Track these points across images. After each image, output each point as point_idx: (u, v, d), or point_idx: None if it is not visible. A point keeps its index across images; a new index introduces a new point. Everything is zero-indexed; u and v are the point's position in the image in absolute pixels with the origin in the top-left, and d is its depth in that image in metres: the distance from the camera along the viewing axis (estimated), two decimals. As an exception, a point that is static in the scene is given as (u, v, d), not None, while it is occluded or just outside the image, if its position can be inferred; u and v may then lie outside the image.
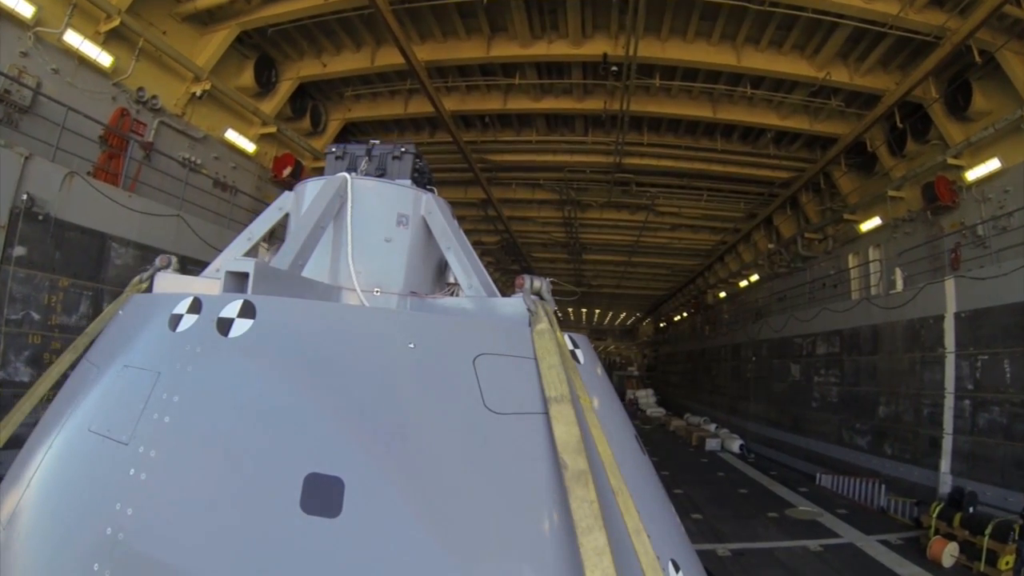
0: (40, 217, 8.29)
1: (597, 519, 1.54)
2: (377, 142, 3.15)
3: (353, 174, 2.83)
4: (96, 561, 1.54)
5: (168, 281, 2.73)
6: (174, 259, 2.81)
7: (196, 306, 1.90)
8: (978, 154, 11.06)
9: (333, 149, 3.15)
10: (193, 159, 11.57)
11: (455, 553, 1.61)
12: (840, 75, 11.47)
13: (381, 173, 3.05)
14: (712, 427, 22.27)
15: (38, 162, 8.26)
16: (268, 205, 11.40)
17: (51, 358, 8.58)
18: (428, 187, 3.11)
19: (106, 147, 9.98)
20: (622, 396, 32.25)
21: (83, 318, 8.98)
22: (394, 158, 3.08)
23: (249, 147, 12.96)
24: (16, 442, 2.27)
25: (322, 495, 1.55)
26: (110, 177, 9.85)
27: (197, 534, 1.56)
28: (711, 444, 19.25)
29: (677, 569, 1.96)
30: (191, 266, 10.58)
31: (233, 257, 2.67)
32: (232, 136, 12.51)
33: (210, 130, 12.05)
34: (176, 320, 1.89)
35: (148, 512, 1.59)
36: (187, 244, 10.37)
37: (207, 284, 2.67)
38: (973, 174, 11.17)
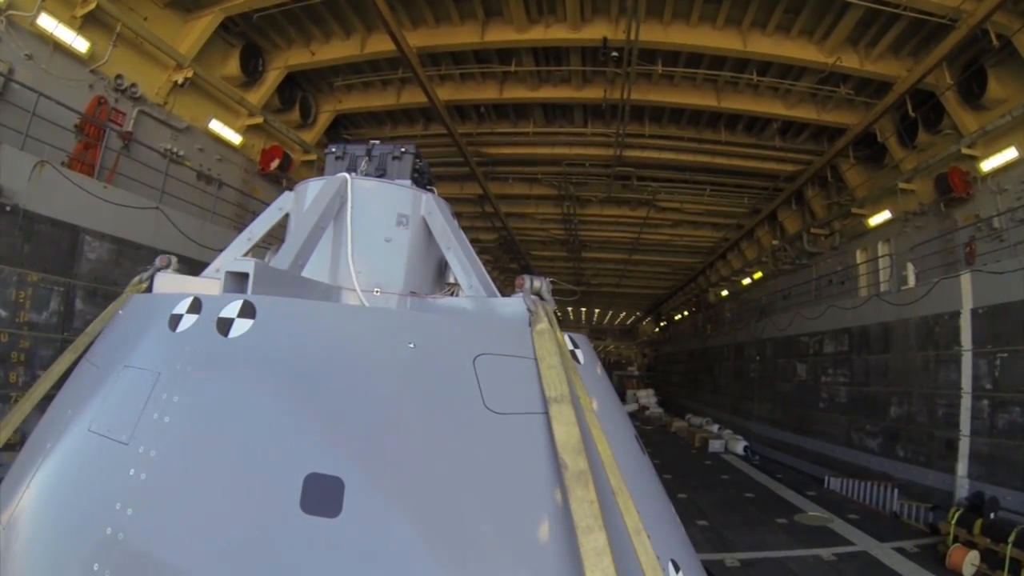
0: (7, 208, 7.83)
1: (597, 519, 1.54)
2: (377, 142, 3.13)
3: (353, 174, 2.81)
4: (96, 561, 1.53)
5: (168, 281, 2.72)
6: (174, 259, 2.79)
7: (196, 306, 1.89)
8: (993, 143, 10.64)
9: (333, 149, 3.12)
10: (175, 150, 11.09)
11: (455, 553, 1.61)
12: (850, 61, 11.02)
13: (381, 173, 3.03)
14: (715, 428, 21.81)
15: (6, 151, 7.84)
16: (254, 199, 10.92)
17: (19, 357, 8.15)
18: (428, 187, 3.08)
19: (82, 137, 9.53)
20: (622, 396, 31.85)
21: (54, 315, 8.54)
22: (394, 158, 3.06)
23: (235, 139, 12.48)
24: (16, 443, 2.27)
25: (322, 495, 1.55)
26: (86, 168, 9.40)
27: (197, 534, 1.56)
28: (714, 446, 18.76)
29: (677, 569, 1.95)
30: None
31: (233, 257, 2.66)
32: (216, 127, 12.03)
33: (193, 120, 11.58)
34: (176, 320, 1.88)
35: (148, 512, 1.59)
36: (166, 238, 9.90)
37: (207, 284, 2.66)
38: (988, 164, 10.74)
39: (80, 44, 9.40)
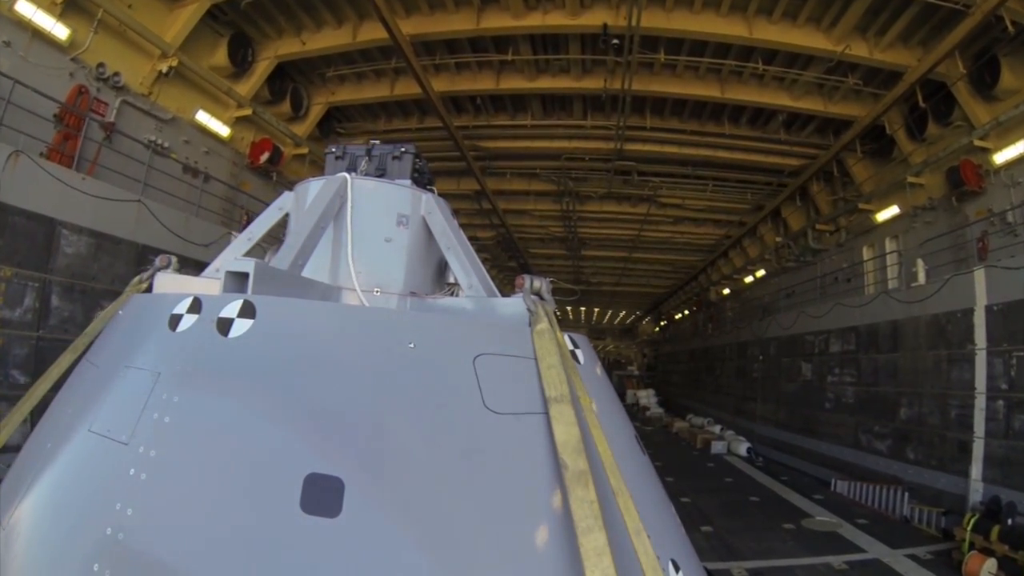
0: (-22, 199, 7.48)
1: (597, 519, 1.54)
2: (377, 142, 3.13)
3: (353, 174, 2.81)
4: (96, 561, 1.54)
5: (168, 281, 2.73)
6: (174, 259, 2.79)
7: (196, 306, 1.88)
8: (1006, 135, 10.32)
9: (333, 149, 3.13)
10: (160, 142, 10.71)
11: (455, 553, 1.61)
12: (859, 50, 10.66)
13: (381, 173, 3.02)
14: (716, 429, 21.45)
15: (-22, 140, 7.48)
16: (243, 192, 10.55)
17: (-7, 355, 7.79)
18: (428, 187, 3.08)
19: (62, 127, 9.16)
20: (622, 396, 31.49)
21: (28, 312, 8.17)
22: (394, 158, 3.06)
23: (223, 131, 12.09)
24: (15, 443, 2.24)
25: (322, 495, 1.55)
26: (66, 159, 9.04)
27: (197, 534, 1.56)
28: (717, 447, 18.40)
29: (677, 569, 1.95)
30: (152, 255, 9.55)
31: (233, 257, 2.57)
32: (203, 118, 11.64)
33: (179, 111, 11.19)
34: (176, 320, 1.88)
35: (148, 512, 1.59)
36: (149, 232, 9.57)
37: (207, 284, 2.66)
38: (1001, 157, 10.43)
39: (60, 31, 9.05)
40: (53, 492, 1.80)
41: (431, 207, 2.89)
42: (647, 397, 33.49)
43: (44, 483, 1.83)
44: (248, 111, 12.17)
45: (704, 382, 28.10)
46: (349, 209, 2.69)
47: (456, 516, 1.66)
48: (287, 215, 3.02)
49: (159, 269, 2.74)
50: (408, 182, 2.95)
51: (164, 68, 10.49)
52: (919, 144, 12.20)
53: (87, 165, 9.36)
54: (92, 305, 8.81)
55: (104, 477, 1.68)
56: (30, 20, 8.64)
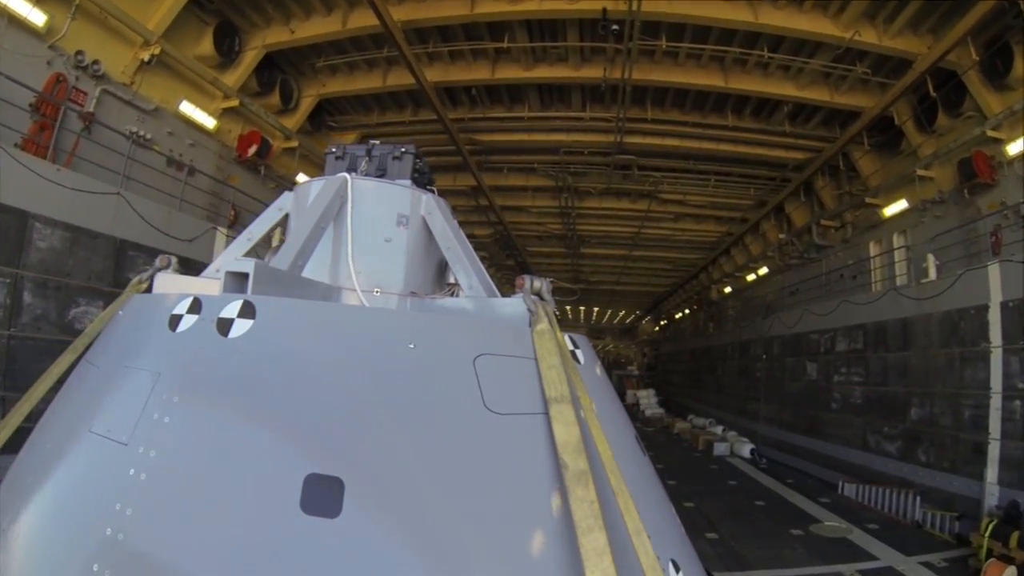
0: (-56, 191, 7.10)
1: (597, 519, 1.54)
2: (377, 142, 3.12)
3: (353, 174, 2.82)
4: (96, 561, 1.54)
5: (168, 281, 2.73)
6: (174, 259, 2.79)
7: (196, 306, 1.89)
8: (1020, 125, 9.94)
9: (333, 149, 3.15)
10: (142, 133, 10.30)
11: (455, 553, 1.61)
12: (867, 36, 10.26)
13: (381, 173, 3.02)
14: (718, 429, 21.10)
15: (-55, 130, 7.09)
16: (229, 186, 10.14)
17: (-40, 353, 7.42)
18: (428, 187, 3.09)
19: (38, 117, 8.77)
20: (622, 396, 31.09)
21: (-1, 308, 7.76)
22: (394, 158, 3.06)
23: (209, 123, 11.65)
24: (15, 444, 2.25)
25: (322, 495, 1.56)
26: (42, 150, 8.66)
27: (197, 534, 1.56)
28: (719, 449, 18.02)
29: (677, 569, 1.94)
30: (132, 251, 9.03)
31: (233, 257, 2.61)
32: (188, 109, 11.20)
33: (163, 102, 10.77)
34: (176, 320, 1.89)
35: (148, 512, 1.59)
36: (128, 226, 9.17)
37: (207, 284, 2.64)
38: (1015, 147, 10.06)
39: (37, 17, 8.66)
40: (53, 493, 1.81)
41: (431, 207, 2.89)
42: (647, 397, 33.08)
43: (44, 484, 1.84)
44: (235, 102, 11.76)
45: (705, 382, 27.76)
46: (349, 209, 2.68)
47: (456, 516, 1.66)
48: (287, 215, 3.01)
49: (159, 269, 2.73)
50: (408, 182, 2.94)
51: (146, 57, 10.08)
52: (928, 136, 11.83)
53: (64, 156, 8.97)
54: (67, 302, 8.42)
55: (104, 477, 1.69)
56: (5, 5, 8.26)
